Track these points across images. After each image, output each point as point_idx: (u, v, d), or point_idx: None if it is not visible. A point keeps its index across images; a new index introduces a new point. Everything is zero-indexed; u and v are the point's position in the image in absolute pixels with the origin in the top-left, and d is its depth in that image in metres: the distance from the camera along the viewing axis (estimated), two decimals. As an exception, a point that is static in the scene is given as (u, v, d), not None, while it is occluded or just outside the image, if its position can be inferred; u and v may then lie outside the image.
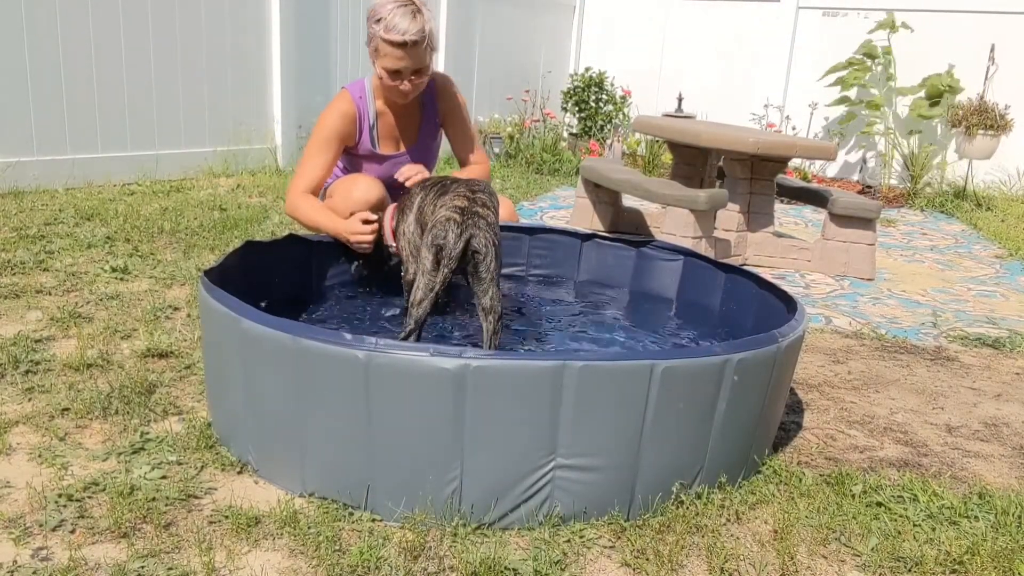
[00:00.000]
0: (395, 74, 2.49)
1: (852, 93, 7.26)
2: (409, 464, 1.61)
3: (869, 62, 7.09)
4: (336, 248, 2.60)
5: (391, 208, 2.40)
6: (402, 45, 2.42)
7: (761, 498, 1.82)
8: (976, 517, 1.78)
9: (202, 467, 1.80)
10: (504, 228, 2.77)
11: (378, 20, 2.43)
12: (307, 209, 2.56)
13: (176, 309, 2.82)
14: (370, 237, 2.45)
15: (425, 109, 2.73)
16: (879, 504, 1.82)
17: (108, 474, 1.73)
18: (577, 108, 8.09)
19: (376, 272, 2.59)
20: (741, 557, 1.60)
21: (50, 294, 2.86)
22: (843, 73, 7.19)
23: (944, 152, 7.07)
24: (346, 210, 2.54)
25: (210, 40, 5.29)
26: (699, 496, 1.76)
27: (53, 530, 1.54)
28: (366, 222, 2.44)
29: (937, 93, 6.84)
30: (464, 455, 1.59)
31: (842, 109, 7.41)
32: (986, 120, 6.42)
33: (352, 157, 2.70)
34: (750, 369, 1.74)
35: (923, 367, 2.82)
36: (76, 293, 2.90)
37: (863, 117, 7.33)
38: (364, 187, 2.53)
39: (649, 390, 1.61)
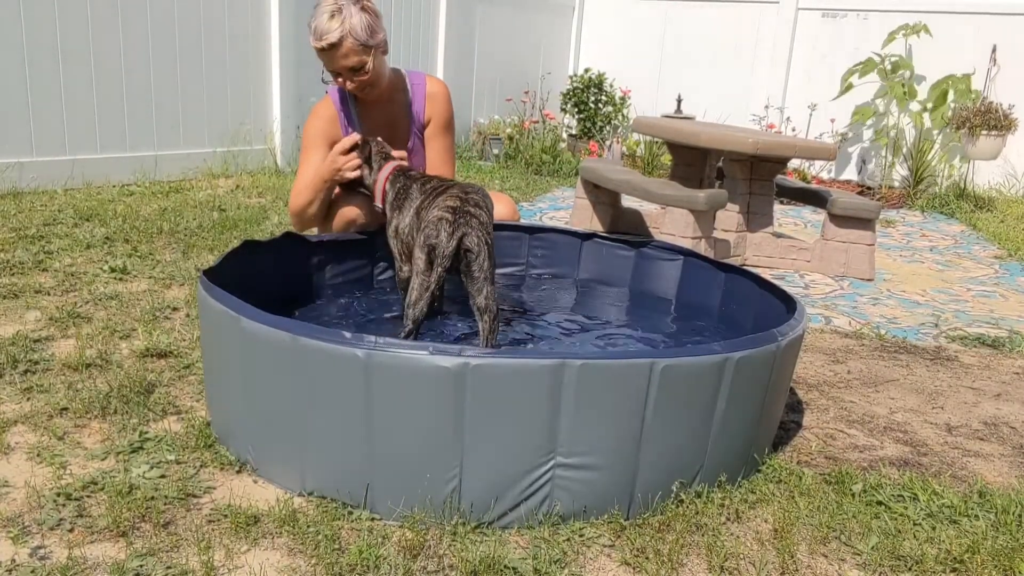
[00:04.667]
0: (336, 74, 2.50)
1: (864, 93, 7.26)
2: (409, 463, 1.61)
3: (885, 76, 7.07)
4: (336, 247, 2.60)
5: (388, 168, 2.36)
6: (322, 50, 2.43)
7: (761, 497, 1.81)
8: (976, 516, 1.77)
9: (201, 466, 1.80)
10: (504, 227, 2.78)
11: (308, 26, 2.45)
12: (302, 197, 2.56)
13: (175, 309, 2.81)
14: (351, 169, 2.42)
15: (412, 111, 2.72)
16: (879, 503, 1.81)
17: (107, 473, 1.73)
18: (576, 109, 8.10)
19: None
20: (741, 556, 1.60)
21: (49, 294, 2.86)
22: (862, 80, 7.20)
23: (949, 153, 7.07)
24: (346, 216, 2.59)
25: (209, 41, 5.30)
26: (699, 495, 1.75)
27: (52, 529, 1.54)
28: (344, 153, 2.43)
29: (956, 97, 6.82)
30: (464, 454, 1.58)
31: (849, 111, 7.40)
32: (989, 120, 6.42)
33: None
34: (750, 368, 1.74)
35: (923, 367, 2.81)
36: (75, 293, 2.90)
37: (867, 117, 7.32)
38: (356, 201, 2.57)
39: (649, 389, 1.61)
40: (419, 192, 2.22)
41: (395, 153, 2.46)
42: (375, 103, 2.65)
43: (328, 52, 2.42)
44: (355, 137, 2.44)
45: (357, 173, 2.44)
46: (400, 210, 2.25)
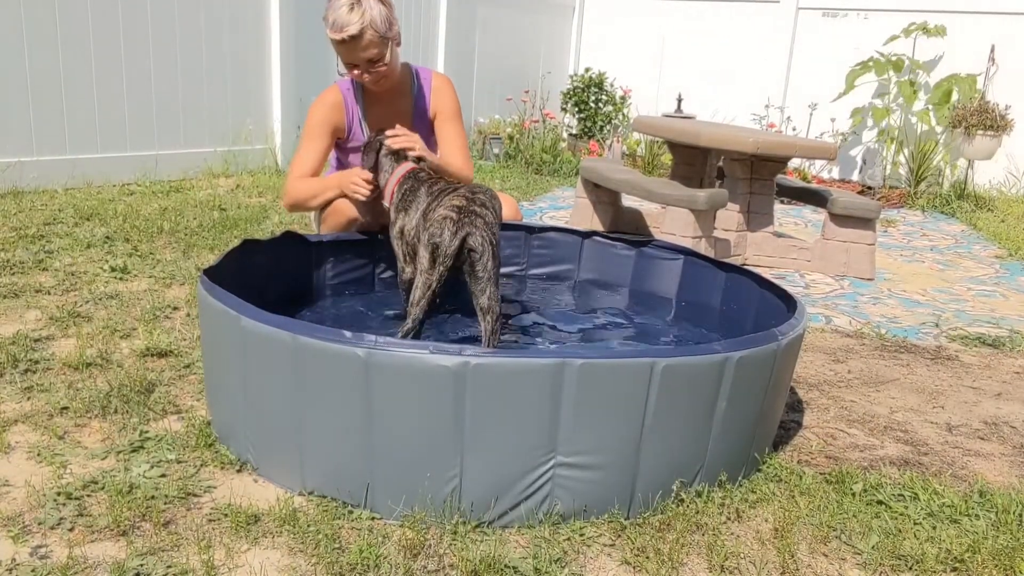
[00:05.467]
0: (351, 67, 2.51)
1: (864, 93, 7.25)
2: (409, 462, 1.61)
3: (891, 71, 7.05)
4: (337, 247, 2.60)
5: (402, 169, 2.36)
6: (342, 42, 2.44)
7: (762, 496, 1.81)
8: (977, 515, 1.77)
9: (201, 465, 1.80)
10: (505, 227, 2.78)
11: (324, 19, 2.47)
12: (303, 188, 2.59)
13: (175, 308, 2.81)
14: (365, 190, 2.45)
15: (417, 104, 2.73)
16: (880, 502, 1.81)
17: (107, 472, 1.73)
18: (577, 109, 8.09)
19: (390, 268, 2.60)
20: (742, 555, 1.60)
21: (49, 293, 2.86)
22: (866, 80, 7.18)
23: (951, 153, 7.07)
24: (348, 214, 2.57)
25: (209, 40, 5.29)
26: (699, 494, 1.75)
27: (52, 528, 1.54)
28: (365, 181, 2.46)
29: (961, 97, 6.81)
30: (464, 453, 1.58)
31: (849, 110, 7.39)
32: (985, 120, 6.41)
33: (348, 152, 2.70)
34: (750, 367, 1.74)
35: (923, 366, 2.81)
36: (75, 292, 2.90)
37: (870, 117, 7.31)
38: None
39: (649, 388, 1.61)
40: (426, 194, 2.21)
41: (406, 143, 2.42)
42: (382, 95, 2.66)
43: (348, 44, 2.43)
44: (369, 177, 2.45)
45: (362, 198, 2.47)
46: (406, 211, 2.24)
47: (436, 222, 1.99)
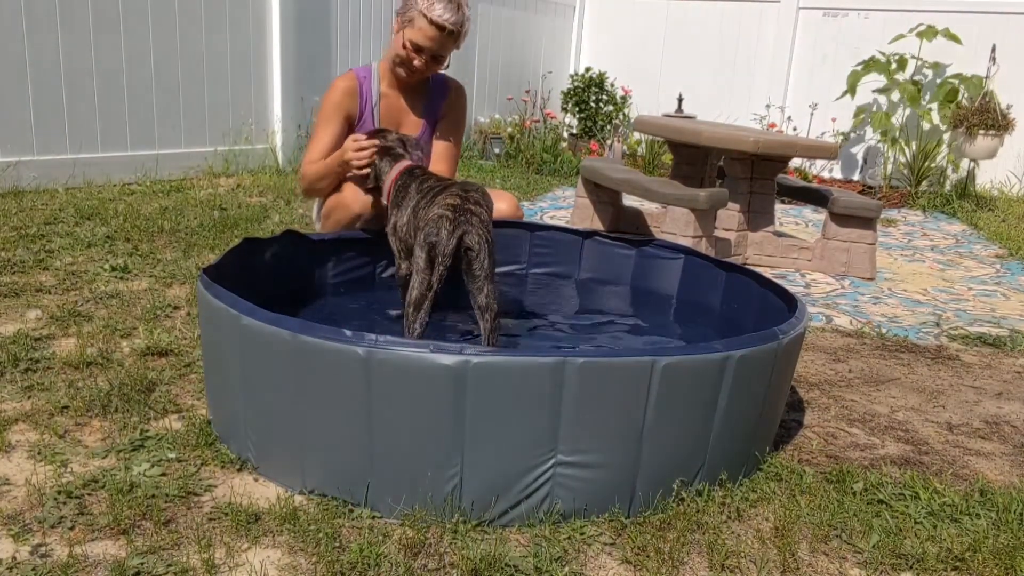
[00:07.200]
0: (418, 49, 2.52)
1: (866, 92, 7.24)
2: (409, 461, 1.61)
3: (894, 69, 7.02)
4: (338, 245, 2.60)
5: (399, 167, 2.37)
6: (440, 28, 2.47)
7: (762, 495, 1.81)
8: (977, 514, 1.77)
9: (202, 464, 1.80)
10: (506, 225, 2.78)
11: (411, 3, 2.47)
12: (312, 170, 2.63)
13: (176, 308, 2.81)
14: (365, 156, 2.43)
15: (430, 103, 2.73)
16: (880, 501, 1.81)
17: (107, 471, 1.73)
18: (577, 108, 8.09)
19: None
20: (742, 554, 1.60)
21: (50, 293, 2.86)
22: (868, 79, 7.16)
23: (954, 152, 7.05)
24: (352, 209, 2.57)
25: (210, 40, 5.29)
26: (700, 493, 1.75)
27: (52, 527, 1.54)
28: (361, 148, 2.46)
29: (974, 95, 6.78)
30: (464, 452, 1.58)
31: (850, 109, 7.38)
32: (987, 120, 6.40)
33: None
34: (751, 366, 1.74)
35: (924, 366, 2.81)
36: (76, 292, 2.90)
37: (870, 117, 7.30)
38: (364, 197, 2.57)
39: (650, 387, 1.61)
40: (417, 191, 2.22)
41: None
42: (399, 87, 2.66)
43: (440, 35, 2.48)
44: (374, 141, 2.45)
45: (365, 172, 2.45)
46: (399, 208, 2.26)
47: (432, 221, 1.99)
